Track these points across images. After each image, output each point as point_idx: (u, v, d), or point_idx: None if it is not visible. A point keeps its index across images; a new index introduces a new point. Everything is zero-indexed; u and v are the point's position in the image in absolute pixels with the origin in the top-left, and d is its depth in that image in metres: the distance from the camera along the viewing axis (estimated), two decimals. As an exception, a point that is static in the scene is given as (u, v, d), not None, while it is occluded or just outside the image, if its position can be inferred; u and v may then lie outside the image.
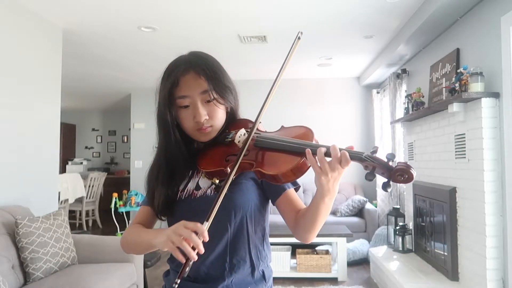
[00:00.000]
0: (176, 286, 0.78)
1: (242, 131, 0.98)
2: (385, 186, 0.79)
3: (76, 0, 3.04)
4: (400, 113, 4.37)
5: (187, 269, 0.79)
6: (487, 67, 2.61)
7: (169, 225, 1.05)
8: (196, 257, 0.77)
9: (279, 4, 3.19)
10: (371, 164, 0.78)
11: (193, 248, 0.77)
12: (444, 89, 3.05)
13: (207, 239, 0.79)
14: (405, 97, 3.88)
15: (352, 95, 5.96)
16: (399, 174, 0.76)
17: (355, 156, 0.80)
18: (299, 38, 0.95)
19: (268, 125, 1.06)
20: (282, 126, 1.02)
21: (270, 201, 1.05)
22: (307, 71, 5.51)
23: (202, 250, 0.78)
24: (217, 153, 0.98)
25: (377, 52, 4.59)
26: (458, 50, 3.03)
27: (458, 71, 2.78)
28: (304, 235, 0.95)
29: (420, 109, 3.46)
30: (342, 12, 3.34)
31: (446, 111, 2.96)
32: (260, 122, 1.01)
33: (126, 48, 4.30)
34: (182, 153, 1.02)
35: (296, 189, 1.03)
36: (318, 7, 3.25)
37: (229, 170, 0.90)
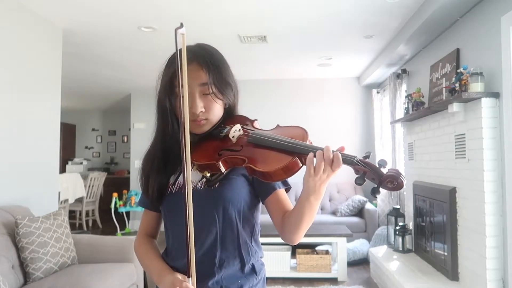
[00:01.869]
0: None
1: (238, 126, 0.98)
2: (374, 192, 0.79)
3: (76, 0, 3.04)
4: (400, 113, 4.37)
5: None
6: (487, 67, 2.61)
7: (164, 218, 1.07)
8: None
9: (279, 4, 3.19)
10: (362, 169, 0.79)
11: None
12: (444, 89, 3.05)
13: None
14: (405, 97, 3.88)
15: (352, 95, 5.96)
16: (389, 180, 0.77)
17: (347, 160, 0.81)
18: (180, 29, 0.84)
19: (268, 125, 1.06)
20: (278, 125, 1.02)
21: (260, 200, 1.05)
22: (307, 71, 5.51)
23: None
24: (210, 146, 0.98)
25: (377, 52, 4.59)
26: (458, 50, 3.03)
27: (458, 71, 2.78)
28: (290, 236, 0.96)
29: (420, 109, 3.46)
30: (342, 12, 3.34)
31: (446, 111, 2.96)
32: (256, 120, 1.03)
33: (126, 48, 4.30)
34: (178, 143, 1.01)
35: (287, 190, 1.03)
36: (318, 7, 3.25)
37: (221, 164, 0.91)
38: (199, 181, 1.00)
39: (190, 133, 1.04)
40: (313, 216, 0.91)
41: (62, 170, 7.95)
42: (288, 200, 1.02)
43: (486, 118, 2.53)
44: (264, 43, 4.16)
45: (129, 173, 7.25)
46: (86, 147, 9.39)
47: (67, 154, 8.81)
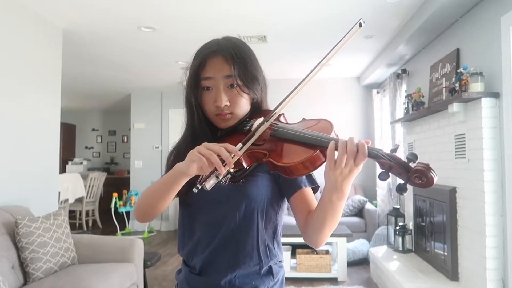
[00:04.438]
0: (196, 190, 0.76)
1: (261, 119, 0.95)
2: (400, 189, 0.72)
3: (76, 0, 3.04)
4: (400, 113, 4.37)
5: (212, 181, 0.77)
6: (487, 67, 2.61)
7: (180, 213, 1.04)
8: (223, 170, 0.76)
9: (279, 4, 3.19)
10: (388, 163, 0.73)
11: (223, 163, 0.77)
12: (444, 89, 3.05)
13: (239, 155, 0.79)
14: (405, 97, 3.88)
15: (352, 95, 5.96)
16: (417, 176, 0.69)
17: (371, 153, 0.75)
18: (360, 25, 0.88)
19: None
20: (303, 118, 1.00)
21: (286, 199, 1.01)
22: (307, 71, 5.49)
23: (232, 165, 0.77)
24: (234, 141, 0.94)
25: (377, 52, 4.59)
26: (458, 50, 3.03)
27: (458, 71, 2.78)
28: (312, 237, 0.91)
29: (420, 109, 3.46)
30: (342, 12, 3.34)
31: (446, 111, 2.96)
32: (282, 114, 0.99)
33: (126, 48, 4.30)
34: (206, 135, 0.99)
35: (315, 190, 0.98)
36: (318, 7, 3.25)
37: (243, 159, 0.87)
38: (224, 177, 0.96)
39: (215, 127, 1.02)
40: (337, 218, 0.86)
41: (62, 170, 7.95)
42: (314, 200, 0.97)
43: (486, 118, 2.53)
44: (264, 43, 4.16)
45: (129, 173, 7.24)
46: (86, 147, 9.39)
47: (67, 154, 8.81)
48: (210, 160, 0.77)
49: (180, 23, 3.54)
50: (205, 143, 0.81)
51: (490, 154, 2.52)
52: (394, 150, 0.75)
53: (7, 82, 2.87)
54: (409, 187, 0.72)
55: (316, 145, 0.81)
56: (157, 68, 5.12)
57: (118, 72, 5.43)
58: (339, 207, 0.84)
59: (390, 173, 0.73)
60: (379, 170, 0.75)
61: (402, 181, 0.73)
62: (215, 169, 0.76)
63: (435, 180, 0.69)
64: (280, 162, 0.83)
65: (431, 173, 0.68)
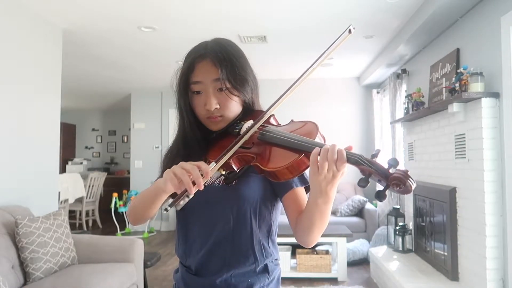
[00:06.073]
0: (165, 212, 0.77)
1: (250, 122, 0.95)
2: (379, 196, 0.71)
3: (76, 0, 3.04)
4: (400, 113, 4.37)
5: (182, 202, 0.77)
6: (487, 67, 2.61)
7: (177, 216, 1.04)
8: (192, 191, 0.76)
9: (279, 4, 3.19)
10: (368, 169, 0.72)
11: (194, 184, 0.76)
12: (444, 89, 3.05)
13: (208, 177, 0.78)
14: (405, 97, 3.88)
15: (352, 95, 5.96)
16: (395, 182, 0.69)
17: (351, 158, 0.75)
18: (349, 31, 0.90)
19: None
20: (292, 120, 1.00)
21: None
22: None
23: (202, 187, 0.76)
24: (224, 144, 0.94)
25: (377, 52, 4.59)
26: (458, 50, 3.03)
27: (458, 71, 2.78)
28: (302, 238, 0.93)
29: (420, 109, 3.46)
30: (342, 12, 3.34)
31: (446, 111, 2.96)
32: (273, 115, 0.99)
33: (126, 48, 4.30)
34: (197, 139, 1.00)
35: (307, 189, 0.98)
36: (318, 7, 3.25)
37: (232, 162, 0.87)
38: (217, 178, 0.98)
39: (207, 130, 1.02)
40: (324, 221, 0.87)
41: (62, 170, 7.95)
42: (306, 199, 0.97)
43: (486, 118, 2.53)
44: (264, 43, 4.16)
45: (129, 173, 7.25)
46: (86, 147, 9.39)
47: (67, 154, 8.81)
48: (182, 180, 0.77)
49: (180, 23, 3.54)
50: (182, 163, 0.81)
51: (490, 154, 2.52)
52: (375, 155, 0.74)
53: (7, 82, 2.87)
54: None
55: (300, 149, 0.82)
56: (157, 68, 5.12)
57: (118, 72, 5.43)
58: (326, 211, 0.85)
59: (370, 180, 0.74)
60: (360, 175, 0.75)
61: (381, 187, 0.73)
62: (186, 190, 0.76)
63: (413, 187, 0.69)
64: (266, 167, 0.84)
65: (409, 181, 0.69)
